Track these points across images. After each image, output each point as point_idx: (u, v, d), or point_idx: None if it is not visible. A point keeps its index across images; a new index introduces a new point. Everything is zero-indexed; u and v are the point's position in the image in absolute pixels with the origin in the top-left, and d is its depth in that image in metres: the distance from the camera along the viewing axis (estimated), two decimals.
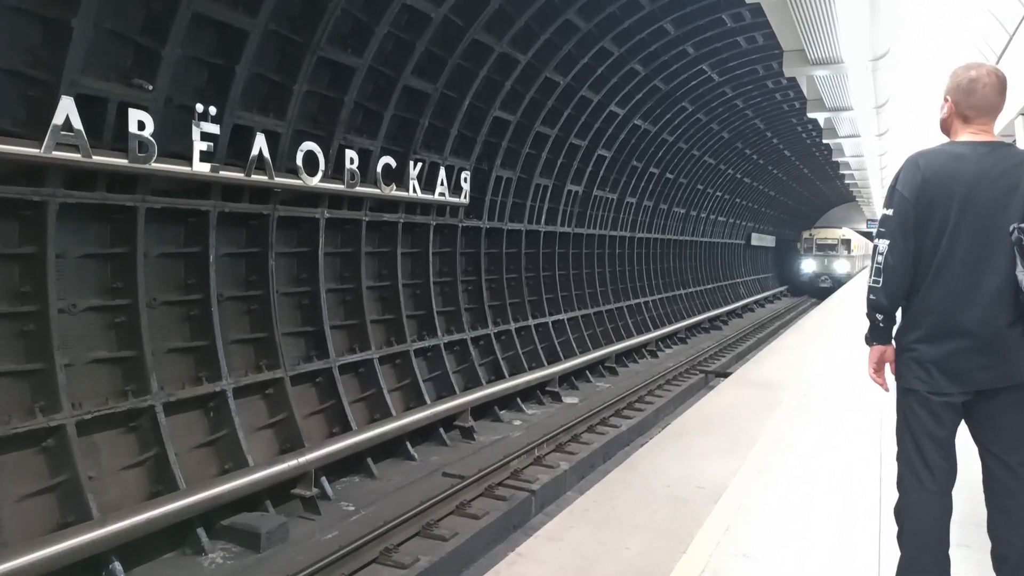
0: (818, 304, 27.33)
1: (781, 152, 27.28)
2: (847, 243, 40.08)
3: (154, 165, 6.40)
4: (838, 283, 36.55)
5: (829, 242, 40.16)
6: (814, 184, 37.40)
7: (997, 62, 8.92)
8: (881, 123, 15.18)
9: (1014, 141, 8.38)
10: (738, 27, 14.00)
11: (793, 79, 13.36)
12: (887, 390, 3.01)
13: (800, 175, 33.51)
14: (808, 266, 40.07)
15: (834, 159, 22.64)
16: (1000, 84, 2.80)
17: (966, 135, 2.83)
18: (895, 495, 2.88)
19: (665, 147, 18.72)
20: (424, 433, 9.90)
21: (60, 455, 5.89)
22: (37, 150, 5.58)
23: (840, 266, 39.38)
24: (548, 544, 3.72)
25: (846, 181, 31.77)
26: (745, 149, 24.40)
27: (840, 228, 41.65)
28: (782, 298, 39.45)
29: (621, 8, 11.86)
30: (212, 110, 6.93)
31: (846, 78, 10.96)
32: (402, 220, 10.44)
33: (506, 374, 12.58)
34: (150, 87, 6.38)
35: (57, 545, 5.23)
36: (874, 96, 12.46)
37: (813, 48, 9.37)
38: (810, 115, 14.65)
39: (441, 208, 11.25)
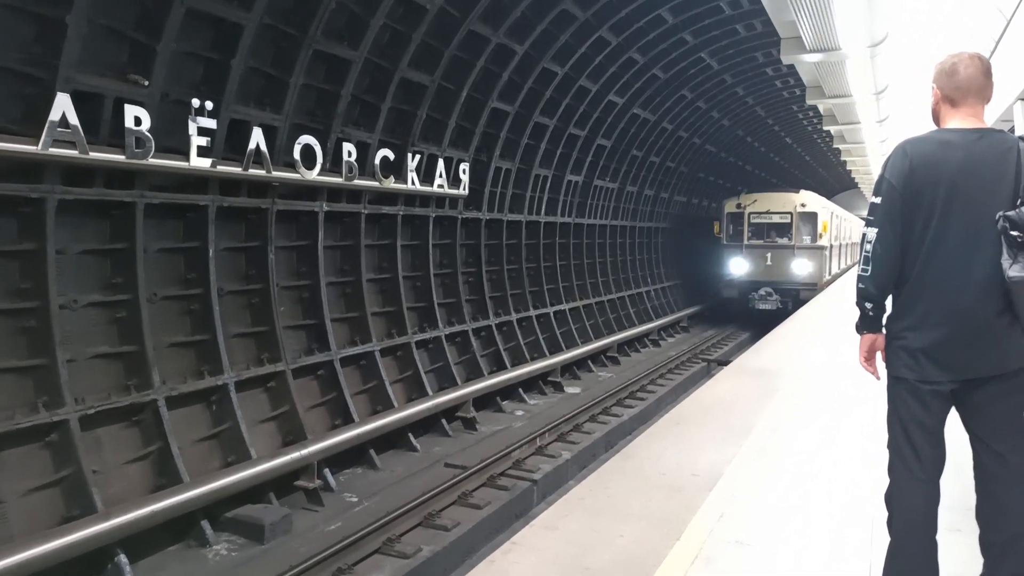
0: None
1: (783, 139, 27.21)
2: (810, 220, 21.28)
3: (151, 161, 6.42)
4: (795, 299, 20.34)
5: (775, 220, 21.55)
6: (816, 171, 37.27)
7: (995, 47, 8.88)
8: (881, 110, 15.15)
9: (1012, 127, 8.34)
10: (736, 14, 13.94)
11: (792, 66, 13.32)
12: (878, 378, 3.03)
13: (802, 162, 33.44)
14: (737, 267, 21.78)
15: (835, 146, 22.56)
16: (983, 66, 2.80)
17: (955, 121, 2.83)
18: (887, 482, 2.90)
19: (665, 135, 18.68)
20: (426, 424, 9.95)
21: (64, 450, 5.94)
22: (34, 147, 5.60)
23: (800, 267, 21.09)
24: (543, 532, 3.77)
25: (848, 168, 31.68)
26: (747, 137, 24.33)
27: (796, 193, 22.22)
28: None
29: None
30: (208, 105, 6.93)
31: (844, 64, 10.93)
32: (401, 212, 10.46)
33: (508, 365, 12.62)
34: (146, 83, 6.39)
35: (62, 539, 5.29)
36: (873, 82, 12.43)
37: (810, 35, 9.35)
38: (809, 102, 14.62)
39: (440, 200, 11.26)
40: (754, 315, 21.49)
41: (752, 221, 21.62)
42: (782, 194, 22.21)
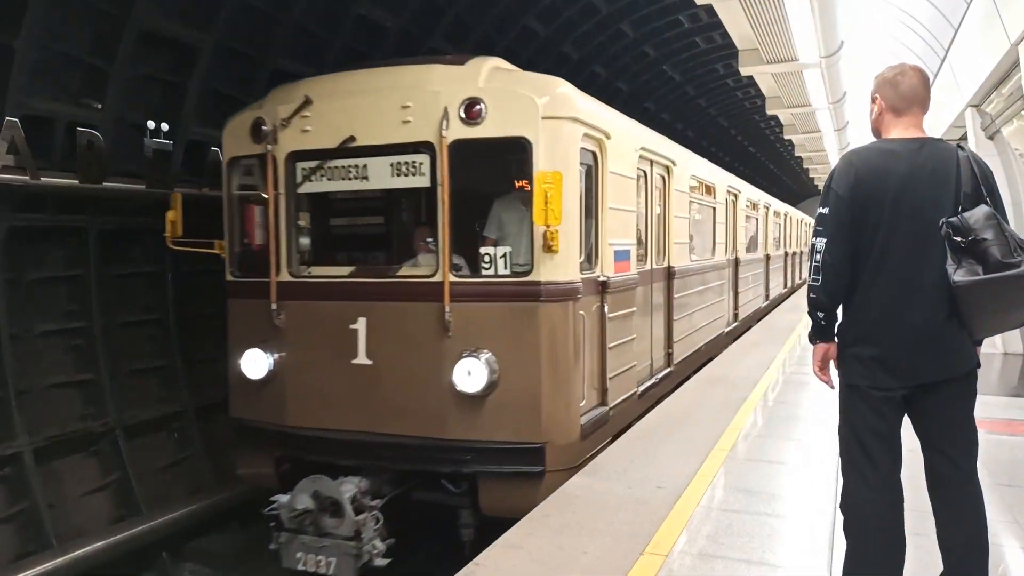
0: None
1: (746, 148, 27.61)
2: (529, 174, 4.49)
3: (105, 185, 6.30)
4: (469, 501, 4.91)
5: (390, 184, 4.99)
6: (780, 179, 37.84)
7: (944, 55, 9.11)
8: (840, 117, 15.44)
9: (964, 134, 8.55)
10: (696, 27, 14.12)
11: (752, 77, 13.52)
12: (832, 387, 3.04)
13: (765, 170, 33.93)
14: (253, 371, 5.16)
15: (797, 154, 22.97)
16: (924, 77, 2.87)
17: (898, 131, 2.87)
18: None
19: None
20: None
21: (17, 484, 5.78)
22: None
23: (465, 380, 4.61)
24: (507, 552, 3.71)
25: (811, 175, 32.24)
26: (711, 147, 24.59)
27: (459, 64, 4.86)
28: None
29: (579, 12, 11.91)
30: (164, 127, 6.84)
31: (802, 75, 11.13)
32: None
33: None
34: (99, 106, 6.29)
35: None
36: (831, 91, 12.67)
37: (767, 47, 9.50)
38: (770, 112, 14.84)
39: None
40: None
41: (302, 188, 5.38)
42: (398, 69, 5.28)
